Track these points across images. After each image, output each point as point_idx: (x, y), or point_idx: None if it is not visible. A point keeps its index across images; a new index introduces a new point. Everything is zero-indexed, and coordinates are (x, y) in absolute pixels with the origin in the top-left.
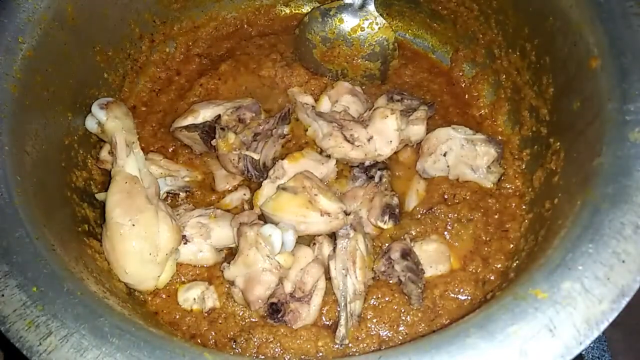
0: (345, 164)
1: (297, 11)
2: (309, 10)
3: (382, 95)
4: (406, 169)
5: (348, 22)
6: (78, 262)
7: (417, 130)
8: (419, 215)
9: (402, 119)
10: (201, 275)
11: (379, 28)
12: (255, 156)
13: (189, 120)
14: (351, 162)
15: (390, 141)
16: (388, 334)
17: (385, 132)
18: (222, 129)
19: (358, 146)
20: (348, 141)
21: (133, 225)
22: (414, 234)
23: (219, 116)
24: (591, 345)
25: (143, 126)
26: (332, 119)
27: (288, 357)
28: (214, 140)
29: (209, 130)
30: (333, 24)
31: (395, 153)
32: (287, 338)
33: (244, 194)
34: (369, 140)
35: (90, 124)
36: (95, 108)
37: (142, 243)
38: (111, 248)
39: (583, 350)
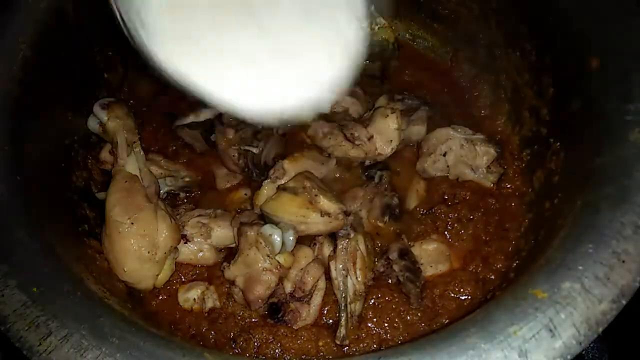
0: (357, 165)
1: None
2: None
3: (383, 95)
4: (407, 169)
5: None
6: (78, 262)
7: (418, 130)
8: (419, 216)
9: (403, 119)
10: (201, 275)
11: (379, 28)
12: (255, 150)
13: (190, 118)
14: (351, 161)
15: (391, 140)
16: (388, 334)
17: (386, 131)
18: (222, 123)
19: (358, 145)
20: (348, 140)
21: (132, 223)
22: (414, 233)
23: (220, 114)
24: (591, 345)
25: (143, 126)
26: (333, 118)
27: (288, 357)
28: (213, 136)
29: (210, 128)
30: None
31: (396, 153)
32: (288, 338)
33: (245, 193)
34: (369, 139)
35: (92, 124)
36: (97, 108)
37: (141, 241)
38: (110, 246)
39: (583, 350)
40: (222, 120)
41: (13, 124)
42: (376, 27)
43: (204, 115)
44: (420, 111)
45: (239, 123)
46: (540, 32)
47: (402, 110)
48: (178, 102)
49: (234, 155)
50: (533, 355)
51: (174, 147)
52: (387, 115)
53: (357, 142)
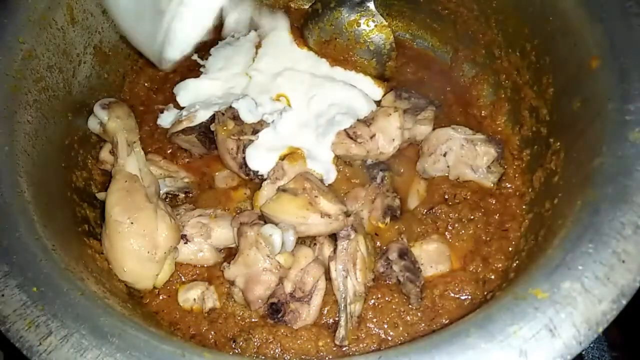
0: (359, 164)
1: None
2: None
3: (390, 92)
4: (410, 169)
5: (346, 16)
6: (78, 262)
7: (424, 130)
8: (420, 216)
9: (409, 118)
10: (201, 275)
11: (376, 26)
12: (254, 138)
13: (184, 124)
14: (353, 159)
15: (393, 139)
16: (388, 334)
17: (388, 130)
18: (223, 114)
19: (360, 143)
20: (350, 138)
21: (132, 223)
22: (415, 234)
23: (214, 115)
24: (591, 345)
25: (141, 126)
26: None
27: (288, 357)
28: (213, 125)
29: (205, 131)
30: (332, 15)
31: (399, 152)
32: (287, 338)
33: (245, 192)
34: (371, 137)
35: (93, 124)
36: (97, 108)
37: (141, 241)
38: (110, 246)
39: (583, 350)
40: (223, 112)
41: (13, 124)
42: (372, 25)
43: (198, 119)
44: (428, 111)
45: (238, 117)
46: (540, 32)
47: (409, 109)
48: (172, 100)
49: (232, 148)
50: (533, 355)
51: (171, 149)
52: (390, 114)
53: (359, 140)
